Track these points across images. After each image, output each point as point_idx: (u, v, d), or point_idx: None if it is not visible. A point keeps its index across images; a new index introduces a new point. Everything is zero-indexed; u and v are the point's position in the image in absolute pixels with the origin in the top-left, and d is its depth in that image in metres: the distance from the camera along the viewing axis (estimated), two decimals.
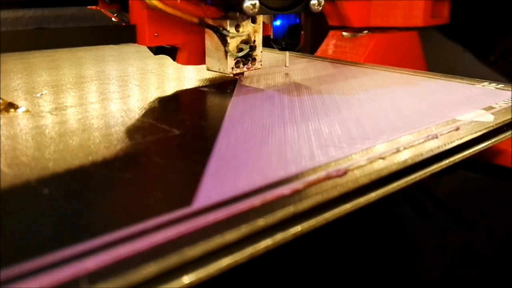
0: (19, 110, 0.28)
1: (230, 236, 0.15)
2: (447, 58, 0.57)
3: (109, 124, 0.25)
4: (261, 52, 0.36)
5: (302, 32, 0.38)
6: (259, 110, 0.28)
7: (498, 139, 0.26)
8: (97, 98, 0.31)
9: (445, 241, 0.33)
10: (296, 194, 0.17)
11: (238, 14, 0.32)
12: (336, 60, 0.46)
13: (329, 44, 0.53)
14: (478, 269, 0.31)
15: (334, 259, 0.29)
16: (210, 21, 0.34)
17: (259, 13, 0.31)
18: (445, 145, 0.22)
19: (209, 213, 0.16)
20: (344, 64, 0.44)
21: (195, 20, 0.33)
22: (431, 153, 0.22)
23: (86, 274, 0.12)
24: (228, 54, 0.34)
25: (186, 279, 0.13)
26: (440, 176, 0.35)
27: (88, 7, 0.38)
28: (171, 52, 0.37)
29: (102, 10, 0.39)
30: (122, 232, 0.14)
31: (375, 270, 0.29)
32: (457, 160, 0.23)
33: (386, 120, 0.26)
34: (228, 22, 0.33)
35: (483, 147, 0.24)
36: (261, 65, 0.36)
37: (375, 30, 0.51)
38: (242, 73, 0.36)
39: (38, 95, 0.32)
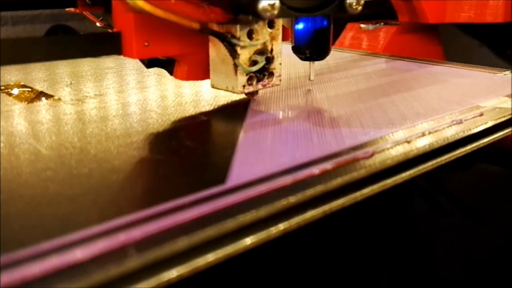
0: (51, 98, 0.28)
1: (264, 211, 0.15)
2: (463, 53, 0.55)
3: (137, 111, 0.25)
4: (280, 64, 0.27)
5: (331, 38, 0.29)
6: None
7: None
8: (122, 88, 0.31)
9: (459, 238, 0.32)
10: (326, 174, 0.17)
11: (251, 17, 0.23)
12: (354, 50, 0.46)
13: (347, 37, 0.52)
14: (493, 267, 0.29)
15: (347, 254, 0.28)
16: (215, 27, 0.25)
17: (279, 16, 0.22)
18: (470, 129, 0.22)
19: (243, 190, 0.16)
20: (361, 55, 0.44)
21: (196, 25, 0.23)
22: (456, 137, 0.21)
23: (133, 243, 0.13)
24: (239, 68, 0.25)
25: (223, 251, 0.13)
26: (456, 171, 0.36)
27: (66, 9, 0.29)
28: (168, 64, 0.28)
29: (84, 13, 0.29)
30: (163, 207, 0.14)
31: (388, 266, 0.28)
32: (481, 145, 0.22)
33: (410, 107, 0.26)
34: (238, 27, 0.24)
35: (506, 132, 0.24)
36: (280, 80, 0.27)
37: (392, 23, 0.49)
38: (256, 92, 0.27)
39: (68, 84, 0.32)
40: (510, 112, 0.25)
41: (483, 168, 0.37)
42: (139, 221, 0.14)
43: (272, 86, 0.27)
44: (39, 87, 0.31)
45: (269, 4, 0.22)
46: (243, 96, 0.27)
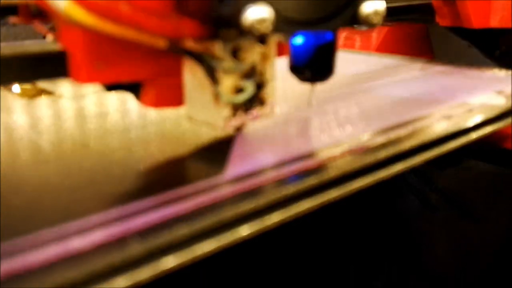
0: (52, 95, 0.28)
1: (262, 202, 0.15)
2: (453, 54, 0.54)
3: (138, 106, 0.23)
4: (274, 89, 0.20)
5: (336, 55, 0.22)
6: None
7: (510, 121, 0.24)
8: None
9: (451, 234, 0.31)
10: (321, 167, 0.17)
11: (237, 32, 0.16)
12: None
13: (340, 37, 0.47)
14: (485, 262, 0.29)
15: (340, 252, 0.27)
16: (190, 44, 0.18)
17: (274, 31, 0.15)
18: (459, 124, 0.22)
19: (240, 182, 0.16)
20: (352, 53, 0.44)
21: (162, 43, 0.17)
22: (445, 133, 0.21)
23: (133, 233, 0.12)
24: (221, 97, 0.18)
25: (220, 241, 0.13)
26: (446, 168, 0.35)
27: (10, 19, 0.22)
28: (133, 88, 0.21)
29: (32, 25, 0.23)
30: (162, 197, 0.14)
31: (381, 263, 0.28)
32: (470, 141, 0.22)
33: (400, 103, 0.26)
34: (219, 45, 0.17)
35: (495, 129, 0.23)
36: (274, 110, 0.20)
37: (384, 23, 0.49)
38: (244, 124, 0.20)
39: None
40: (498, 109, 0.24)
41: (474, 166, 0.36)
42: (139, 211, 0.13)
43: (264, 117, 0.20)
44: (40, 83, 0.31)
45: (259, 18, 0.15)
46: None
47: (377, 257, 0.28)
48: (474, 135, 0.22)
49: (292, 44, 0.22)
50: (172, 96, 0.20)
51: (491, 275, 0.28)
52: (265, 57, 0.20)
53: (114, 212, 0.13)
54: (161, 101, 0.21)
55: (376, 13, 0.17)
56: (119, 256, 0.12)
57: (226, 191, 0.15)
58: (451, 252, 0.30)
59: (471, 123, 0.23)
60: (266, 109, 0.20)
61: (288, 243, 0.25)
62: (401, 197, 0.35)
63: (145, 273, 0.12)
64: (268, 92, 0.20)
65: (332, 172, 0.17)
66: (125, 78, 0.19)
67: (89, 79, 0.18)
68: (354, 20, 0.17)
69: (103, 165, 0.18)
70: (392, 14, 0.18)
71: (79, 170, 0.17)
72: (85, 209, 0.14)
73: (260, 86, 0.20)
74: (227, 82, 0.19)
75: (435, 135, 0.21)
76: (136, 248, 0.12)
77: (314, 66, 0.23)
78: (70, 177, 0.16)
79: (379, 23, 0.18)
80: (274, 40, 0.20)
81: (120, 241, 0.12)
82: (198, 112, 0.20)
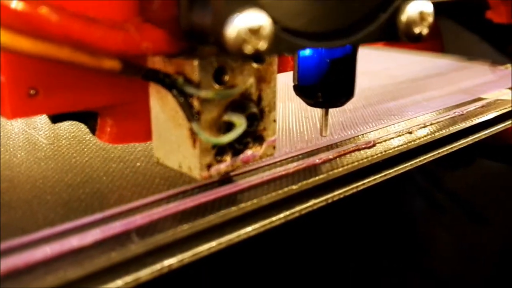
0: None
1: (266, 199, 0.14)
2: (464, 48, 0.53)
3: None
4: (275, 121, 0.15)
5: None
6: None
7: None
8: None
9: (458, 235, 0.30)
10: (327, 163, 0.17)
11: (219, 48, 0.11)
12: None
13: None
14: (492, 264, 0.28)
15: (343, 251, 0.26)
16: (157, 63, 0.13)
17: (273, 51, 0.10)
18: (471, 121, 0.21)
19: (244, 179, 0.15)
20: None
21: (113, 64, 0.11)
22: (458, 128, 0.21)
23: (135, 230, 0.12)
24: (199, 137, 0.13)
25: (224, 239, 0.13)
26: (455, 168, 0.33)
27: None
28: (88, 118, 0.16)
29: None
30: (164, 194, 0.14)
31: (386, 264, 0.27)
32: (482, 137, 0.21)
33: (412, 99, 0.25)
34: (196, 64, 0.12)
35: (507, 124, 0.23)
36: (274, 148, 0.15)
37: None
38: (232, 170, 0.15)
39: None
40: (510, 104, 0.24)
41: (484, 165, 0.35)
42: (140, 208, 0.13)
43: (261, 158, 0.15)
44: None
45: (249, 30, 0.10)
46: None
47: (381, 257, 0.28)
48: (485, 132, 0.22)
49: (298, 58, 0.17)
50: (135, 129, 0.15)
51: (498, 278, 0.27)
52: (262, 79, 0.14)
53: (114, 209, 0.13)
54: (120, 136, 0.15)
55: (422, 19, 0.12)
56: (120, 254, 0.12)
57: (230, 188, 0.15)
58: (457, 253, 0.29)
59: (483, 119, 0.22)
60: (262, 148, 0.15)
61: (290, 242, 0.25)
62: (408, 197, 0.34)
63: (146, 271, 0.12)
64: (266, 125, 0.15)
65: (340, 169, 0.16)
66: (72, 106, 0.14)
67: (17, 111, 0.13)
68: (390, 30, 0.12)
69: (102, 160, 0.17)
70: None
71: (78, 166, 0.17)
72: (84, 207, 0.14)
73: (255, 118, 0.14)
74: (209, 115, 0.13)
75: (446, 132, 0.20)
76: (137, 246, 0.12)
77: (327, 87, 0.17)
78: (69, 174, 0.16)
79: (423, 36, 0.12)
80: (273, 57, 0.14)
81: (121, 239, 0.12)
82: (169, 154, 0.15)
